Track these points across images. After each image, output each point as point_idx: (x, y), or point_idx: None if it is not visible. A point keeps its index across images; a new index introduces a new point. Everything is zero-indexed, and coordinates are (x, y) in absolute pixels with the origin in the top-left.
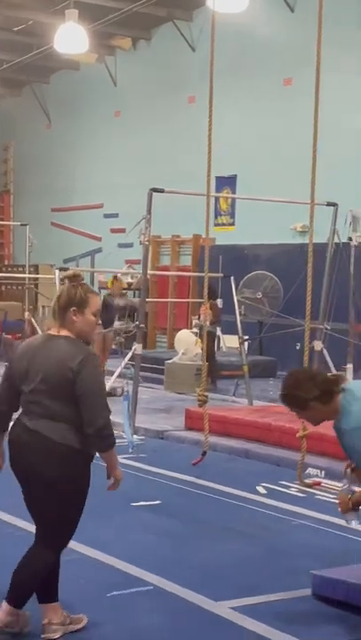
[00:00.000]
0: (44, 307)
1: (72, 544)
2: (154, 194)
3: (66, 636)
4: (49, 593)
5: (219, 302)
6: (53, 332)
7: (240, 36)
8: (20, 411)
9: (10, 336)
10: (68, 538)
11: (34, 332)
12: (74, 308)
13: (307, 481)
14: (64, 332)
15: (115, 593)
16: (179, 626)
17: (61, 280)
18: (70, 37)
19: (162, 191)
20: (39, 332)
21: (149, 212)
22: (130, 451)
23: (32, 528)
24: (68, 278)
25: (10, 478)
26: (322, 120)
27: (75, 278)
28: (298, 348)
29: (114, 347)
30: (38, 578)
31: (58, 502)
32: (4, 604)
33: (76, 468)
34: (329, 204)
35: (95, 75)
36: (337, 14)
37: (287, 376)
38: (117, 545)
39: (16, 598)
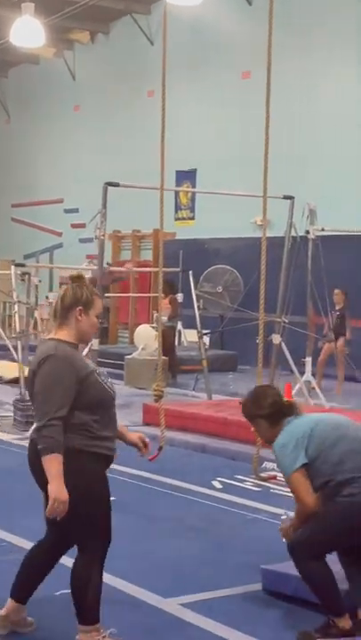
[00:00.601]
0: (4, 302)
1: (23, 542)
2: (111, 188)
3: (14, 635)
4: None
5: (179, 297)
6: (50, 335)
7: (198, 29)
8: None
9: None
10: (95, 539)
11: None
12: (80, 308)
13: (262, 475)
14: (60, 334)
15: (63, 591)
16: (125, 623)
17: (70, 280)
18: (27, 31)
19: (117, 185)
20: None
21: (105, 206)
22: None
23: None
24: (72, 279)
25: None
26: (281, 113)
27: (79, 279)
28: (258, 341)
29: None
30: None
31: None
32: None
33: (69, 468)
34: (286, 197)
35: (54, 69)
36: (294, 6)
37: (252, 389)
38: None
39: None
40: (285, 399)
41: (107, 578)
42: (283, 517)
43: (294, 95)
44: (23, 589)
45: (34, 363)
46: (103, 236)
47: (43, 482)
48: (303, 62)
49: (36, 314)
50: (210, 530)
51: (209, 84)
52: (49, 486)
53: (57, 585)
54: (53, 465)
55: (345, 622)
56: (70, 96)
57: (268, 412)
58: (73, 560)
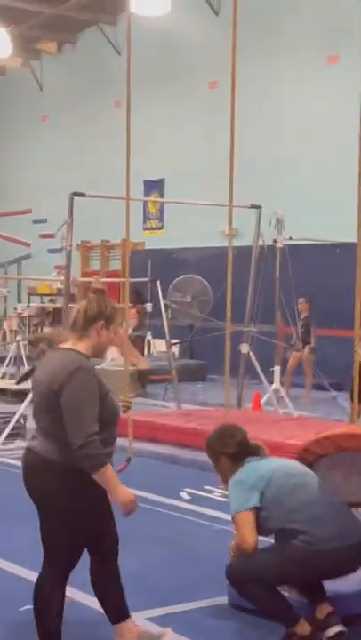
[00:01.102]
0: None
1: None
2: (78, 198)
3: None
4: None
5: (148, 306)
6: (66, 345)
7: (165, 39)
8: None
9: None
10: (67, 563)
11: None
12: (102, 322)
13: None
14: (80, 346)
15: (28, 607)
16: (91, 638)
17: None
18: None
19: (83, 195)
20: None
21: (71, 216)
22: None
23: None
24: (94, 291)
25: None
26: (248, 122)
27: (102, 292)
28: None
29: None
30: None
31: (47, 520)
32: None
33: (65, 485)
34: (253, 207)
35: (21, 79)
36: (259, 15)
37: (219, 426)
38: (31, 556)
39: None
40: (252, 441)
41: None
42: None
43: (260, 103)
44: (111, 611)
45: (56, 374)
46: (70, 246)
47: (37, 492)
48: (269, 69)
49: (5, 325)
50: (176, 541)
51: (176, 94)
52: (115, 494)
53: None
54: (108, 475)
55: (303, 628)
56: (38, 106)
57: (234, 450)
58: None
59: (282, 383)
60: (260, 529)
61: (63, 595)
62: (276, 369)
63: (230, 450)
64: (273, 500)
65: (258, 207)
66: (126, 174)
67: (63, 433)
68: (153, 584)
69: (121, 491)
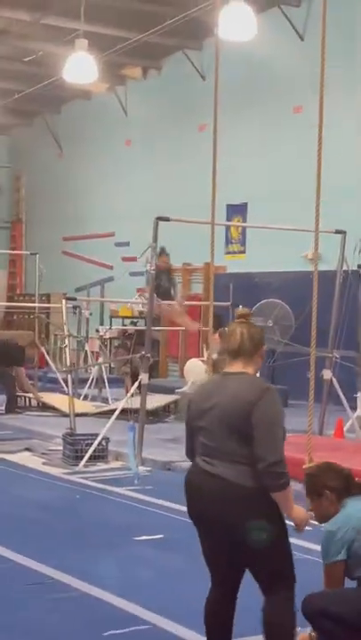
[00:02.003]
0: (55, 335)
1: (69, 579)
2: (161, 222)
3: None
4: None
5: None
6: (233, 369)
7: (250, 64)
8: (197, 454)
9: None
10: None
11: (43, 360)
12: (264, 347)
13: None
14: (249, 370)
15: (111, 632)
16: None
17: (237, 318)
18: (79, 67)
19: (167, 220)
20: (49, 361)
21: (155, 240)
22: (135, 482)
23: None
24: (243, 316)
25: None
26: (330, 147)
27: (249, 316)
28: (308, 376)
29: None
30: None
31: (260, 544)
32: None
33: (265, 510)
34: (338, 232)
35: (106, 104)
36: (347, 41)
37: (320, 463)
38: (116, 581)
39: None
40: (357, 479)
41: (159, 621)
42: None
43: (346, 128)
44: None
45: (245, 394)
46: (154, 270)
47: (234, 521)
48: (354, 95)
49: (87, 347)
50: None
51: (260, 118)
52: (293, 512)
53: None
54: (290, 495)
55: None
56: (122, 131)
57: (340, 484)
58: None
59: None
60: (349, 574)
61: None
62: (360, 395)
63: (336, 484)
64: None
65: (343, 232)
66: (212, 199)
67: (250, 455)
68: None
69: (297, 508)
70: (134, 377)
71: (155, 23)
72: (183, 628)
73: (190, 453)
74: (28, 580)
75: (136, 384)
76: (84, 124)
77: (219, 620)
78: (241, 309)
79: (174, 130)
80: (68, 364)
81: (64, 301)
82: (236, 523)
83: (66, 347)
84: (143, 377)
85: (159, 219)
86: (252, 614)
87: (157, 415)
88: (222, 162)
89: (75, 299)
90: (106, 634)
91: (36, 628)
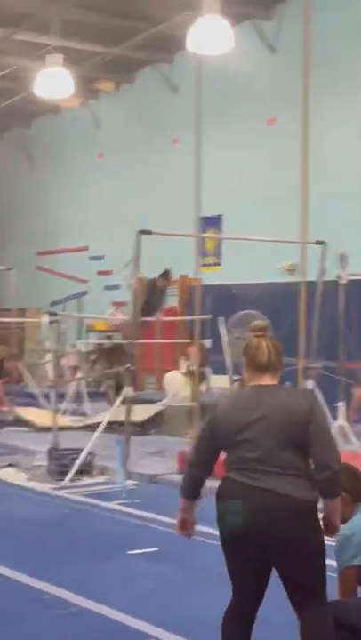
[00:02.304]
0: (31, 351)
1: (66, 595)
2: (137, 235)
3: None
4: None
5: (207, 343)
6: (265, 382)
7: (223, 77)
8: (233, 469)
9: None
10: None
11: (20, 376)
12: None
13: None
14: (275, 382)
15: None
16: None
17: (252, 331)
18: (54, 82)
19: (149, 233)
20: (26, 375)
21: (137, 253)
22: (123, 496)
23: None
24: (261, 329)
25: None
26: (312, 157)
27: (267, 329)
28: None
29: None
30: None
31: (313, 558)
32: None
33: (317, 522)
34: (318, 243)
35: (77, 118)
36: (320, 51)
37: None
38: (115, 595)
39: None
40: None
41: (162, 634)
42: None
43: (322, 139)
44: None
45: (295, 406)
46: (137, 283)
47: (297, 538)
48: (324, 105)
49: (63, 361)
50: None
51: (234, 131)
52: (337, 522)
53: None
54: (339, 504)
55: None
56: (94, 144)
57: (357, 487)
58: None
59: (347, 419)
60: None
61: None
62: (341, 405)
63: (353, 486)
64: None
65: (322, 243)
66: (195, 210)
67: (305, 466)
68: None
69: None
70: (118, 390)
71: (127, 37)
72: None
73: (202, 467)
74: (25, 597)
75: (121, 397)
76: (55, 139)
77: (240, 634)
78: (258, 322)
79: (147, 143)
80: (51, 378)
81: (46, 316)
82: (294, 536)
83: (48, 362)
84: (128, 390)
85: (142, 232)
86: (266, 626)
87: (144, 427)
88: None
89: (56, 313)
90: None
91: None
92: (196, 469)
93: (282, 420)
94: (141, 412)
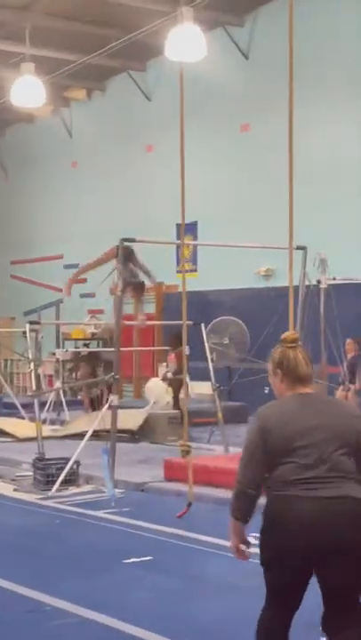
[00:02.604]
0: (5, 360)
1: (67, 605)
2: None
3: None
4: None
5: (185, 349)
6: (307, 391)
7: (196, 84)
8: (284, 482)
9: None
10: None
11: None
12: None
13: None
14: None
15: None
16: None
17: (279, 345)
18: (27, 91)
19: (133, 241)
20: (4, 385)
21: (121, 262)
22: (112, 505)
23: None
24: (294, 341)
25: None
26: (286, 163)
27: (298, 339)
28: (266, 392)
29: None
30: None
31: None
32: None
33: None
34: (298, 248)
35: (51, 126)
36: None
37: None
38: (114, 605)
39: None
40: None
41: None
42: None
43: (298, 144)
44: None
45: (350, 413)
46: (121, 291)
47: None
48: (302, 111)
49: (40, 370)
50: (257, 589)
51: (208, 138)
52: None
53: None
54: None
55: None
56: (67, 153)
57: None
58: None
59: None
60: None
61: None
62: None
63: None
64: None
65: (303, 248)
66: (182, 217)
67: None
68: (241, 632)
69: None
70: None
71: (98, 45)
72: None
73: (256, 483)
74: (23, 608)
75: (107, 405)
76: (28, 147)
77: None
78: (289, 334)
79: (120, 151)
80: (34, 388)
81: (28, 325)
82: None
83: (31, 371)
84: (113, 398)
85: (125, 240)
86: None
87: (135, 435)
88: (171, 181)
89: (38, 322)
90: None
91: None
92: (250, 487)
93: (341, 427)
94: (133, 420)
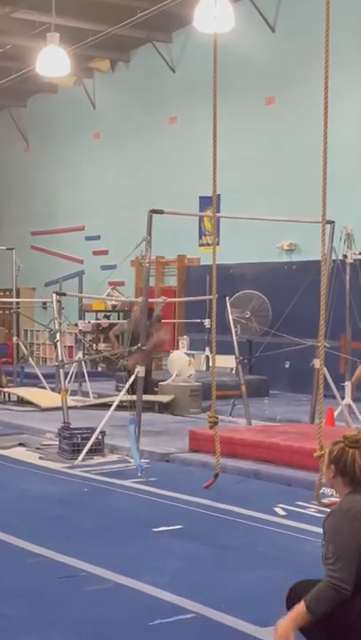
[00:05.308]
0: (25, 330)
1: (101, 572)
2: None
3: None
4: None
5: (206, 322)
6: None
7: (222, 56)
8: None
9: None
10: None
11: (21, 355)
12: None
13: (324, 501)
14: None
15: (158, 621)
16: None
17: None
18: (52, 61)
19: (162, 212)
20: (26, 354)
21: (149, 233)
22: (139, 474)
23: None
24: (356, 442)
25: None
26: (311, 137)
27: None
28: (287, 366)
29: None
30: None
31: None
32: None
33: None
34: (327, 222)
35: (73, 97)
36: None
37: None
38: (148, 572)
39: None
40: None
41: (201, 609)
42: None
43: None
44: None
45: None
46: (149, 263)
47: None
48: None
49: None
50: (285, 557)
51: (232, 111)
52: None
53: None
54: None
55: None
56: (90, 124)
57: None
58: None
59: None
60: None
61: None
62: (348, 384)
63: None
64: None
65: (331, 222)
66: (213, 189)
67: None
68: (273, 599)
69: None
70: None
71: (124, 16)
72: (225, 614)
73: (351, 580)
74: (59, 574)
75: (133, 377)
76: (50, 118)
77: None
78: (352, 435)
79: (144, 122)
80: (60, 358)
81: (54, 296)
82: None
83: (57, 341)
84: (140, 370)
85: (153, 211)
86: None
87: (168, 407)
88: (194, 153)
89: (64, 294)
90: (152, 623)
91: (80, 620)
92: (346, 583)
93: None
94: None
